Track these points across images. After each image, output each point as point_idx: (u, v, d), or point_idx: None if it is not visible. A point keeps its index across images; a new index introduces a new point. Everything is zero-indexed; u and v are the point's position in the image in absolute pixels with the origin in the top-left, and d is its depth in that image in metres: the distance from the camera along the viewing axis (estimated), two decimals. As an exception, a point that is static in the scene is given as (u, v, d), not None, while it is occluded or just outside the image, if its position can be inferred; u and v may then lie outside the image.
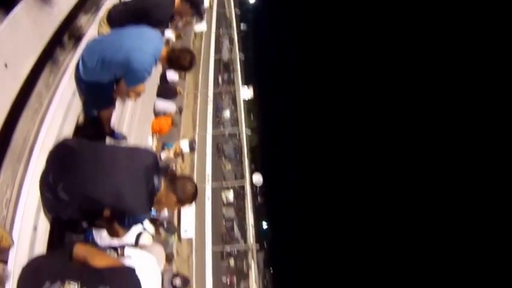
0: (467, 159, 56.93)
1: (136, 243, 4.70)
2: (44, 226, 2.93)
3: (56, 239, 3.16)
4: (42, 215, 2.88)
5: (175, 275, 6.21)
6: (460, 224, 55.04)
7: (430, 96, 62.32)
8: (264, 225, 60.47)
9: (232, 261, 42.95)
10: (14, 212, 2.56)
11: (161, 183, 3.03)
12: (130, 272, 2.53)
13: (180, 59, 3.88)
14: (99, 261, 2.51)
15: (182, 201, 3.18)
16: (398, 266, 56.26)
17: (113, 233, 3.27)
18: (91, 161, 2.95)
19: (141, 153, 3.25)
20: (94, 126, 4.35)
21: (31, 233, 2.73)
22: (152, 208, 3.22)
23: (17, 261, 2.47)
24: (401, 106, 63.04)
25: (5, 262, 2.43)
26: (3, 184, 2.54)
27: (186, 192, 3.12)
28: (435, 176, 59.34)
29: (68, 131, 3.42)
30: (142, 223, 4.33)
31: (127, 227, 3.23)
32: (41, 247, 2.84)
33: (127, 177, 2.90)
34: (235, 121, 44.28)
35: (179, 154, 13.56)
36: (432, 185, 59.02)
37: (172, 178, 3.14)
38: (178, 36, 13.54)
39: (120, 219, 3.09)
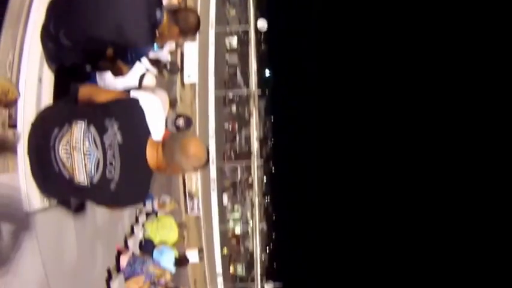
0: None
1: (140, 85, 4.74)
2: (49, 77, 2.90)
3: (61, 89, 3.16)
4: (45, 66, 2.83)
5: (178, 116, 6.31)
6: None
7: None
8: (267, 72, 60.52)
9: (234, 108, 43.90)
10: (18, 71, 2.51)
11: (163, 16, 2.93)
12: (134, 102, 2.54)
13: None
14: (104, 96, 2.51)
15: (185, 33, 3.10)
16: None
17: (117, 71, 3.25)
18: (90, 2, 2.80)
19: None
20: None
21: (36, 85, 2.71)
22: (155, 42, 3.19)
23: (25, 116, 2.48)
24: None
25: (14, 126, 2.45)
26: (5, 49, 2.46)
27: (188, 23, 3.04)
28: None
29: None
30: (146, 57, 4.30)
31: (130, 63, 3.18)
32: (47, 99, 2.84)
33: (128, 9, 2.79)
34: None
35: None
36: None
37: (175, 10, 3.04)
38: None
39: (123, 56, 3.04)
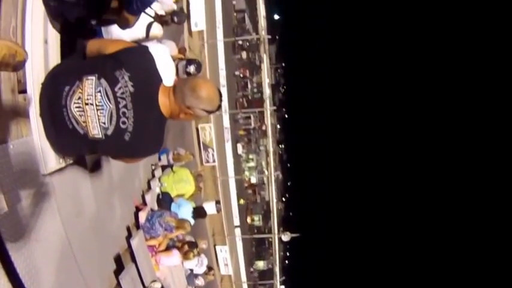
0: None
1: (147, 36, 4.70)
2: (54, 37, 2.87)
3: (68, 48, 3.14)
4: (50, 27, 2.79)
5: (188, 61, 6.25)
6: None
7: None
8: (276, 16, 59.22)
9: (244, 54, 43.34)
10: (22, 35, 2.49)
11: None
12: (144, 50, 2.53)
13: None
14: (112, 47, 2.48)
15: None
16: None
17: (124, 22, 3.15)
18: None
19: None
20: None
21: (43, 46, 2.69)
22: None
23: (34, 78, 2.49)
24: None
25: (25, 91, 2.45)
26: (7, 15, 2.42)
27: None
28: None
29: None
30: (151, 6, 4.24)
31: (137, 12, 3.09)
32: (54, 59, 2.82)
33: None
34: None
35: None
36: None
37: None
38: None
39: (129, 5, 2.94)
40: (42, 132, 2.46)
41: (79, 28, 3.35)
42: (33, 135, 2.45)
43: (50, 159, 2.56)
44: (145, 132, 2.38)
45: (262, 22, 29.17)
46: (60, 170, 2.70)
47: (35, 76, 2.51)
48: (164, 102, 2.39)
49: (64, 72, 2.51)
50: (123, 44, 2.53)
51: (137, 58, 2.43)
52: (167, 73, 4.01)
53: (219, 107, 2.50)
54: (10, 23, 2.44)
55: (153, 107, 2.38)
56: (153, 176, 7.66)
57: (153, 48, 3.50)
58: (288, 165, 66.79)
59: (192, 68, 6.04)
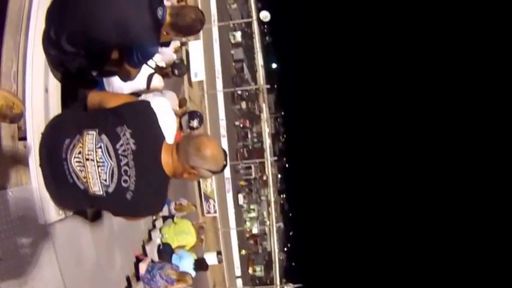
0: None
1: (148, 87, 4.73)
2: (55, 86, 2.88)
3: (68, 97, 3.15)
4: (51, 75, 2.80)
5: (191, 114, 6.27)
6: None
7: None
8: (274, 65, 60.38)
9: (244, 104, 43.93)
10: (23, 81, 2.51)
11: (166, 15, 2.86)
12: (146, 106, 2.49)
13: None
14: (114, 101, 2.46)
15: (189, 33, 3.08)
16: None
17: (124, 74, 3.17)
18: (89, 2, 2.73)
19: None
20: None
21: (43, 95, 2.69)
22: (160, 41, 3.14)
23: (34, 128, 2.48)
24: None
25: (25, 138, 2.45)
26: (8, 60, 2.45)
27: (190, 23, 2.97)
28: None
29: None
30: (152, 58, 4.31)
31: (137, 64, 3.07)
32: (55, 108, 2.82)
33: (130, 6, 2.73)
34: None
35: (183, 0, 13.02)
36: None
37: (177, 10, 3.00)
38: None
39: (129, 57, 2.94)
40: (42, 182, 2.41)
41: (80, 78, 3.38)
42: (32, 184, 2.40)
43: (49, 210, 2.50)
44: (147, 191, 2.32)
45: (261, 72, 29.72)
46: (60, 220, 2.66)
47: (35, 125, 2.49)
48: (167, 161, 2.34)
49: (64, 124, 2.48)
50: (125, 99, 2.52)
51: (139, 114, 2.41)
52: (169, 128, 4.01)
53: (224, 167, 2.46)
54: (11, 68, 2.45)
55: (156, 166, 2.33)
56: (154, 226, 7.58)
57: (155, 102, 3.52)
58: (290, 214, 66.28)
59: (195, 123, 6.04)
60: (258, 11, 31.43)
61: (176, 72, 7.92)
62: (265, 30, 59.51)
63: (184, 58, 16.43)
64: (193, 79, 17.68)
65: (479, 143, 57.04)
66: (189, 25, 3.01)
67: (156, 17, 2.81)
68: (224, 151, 2.44)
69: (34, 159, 2.43)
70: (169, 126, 4.03)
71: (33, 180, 2.41)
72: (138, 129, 2.32)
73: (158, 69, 5.16)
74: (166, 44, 6.86)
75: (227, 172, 21.50)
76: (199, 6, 18.51)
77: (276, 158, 44.90)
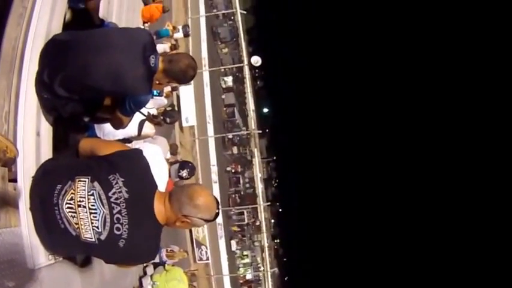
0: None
1: (139, 133, 4.78)
2: (47, 129, 2.91)
3: (60, 142, 3.17)
4: (43, 119, 2.83)
5: (181, 164, 6.32)
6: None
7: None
8: (265, 109, 61.04)
9: (235, 149, 44.12)
10: (14, 122, 2.53)
11: (158, 63, 2.95)
12: (138, 155, 2.53)
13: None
14: (106, 149, 2.49)
15: (180, 76, 3.12)
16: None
17: (117, 122, 3.23)
18: (84, 48, 2.83)
19: (135, 31, 3.16)
20: (82, 19, 4.21)
21: (35, 139, 2.71)
22: (152, 89, 3.18)
23: (25, 171, 2.49)
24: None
25: (15, 180, 2.46)
26: (0, 98, 2.49)
27: (184, 69, 3.06)
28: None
29: (56, 30, 3.29)
30: (145, 106, 4.37)
31: (130, 113, 3.14)
32: (46, 152, 2.83)
33: (124, 54, 2.80)
34: (228, 2, 42.71)
35: (176, 48, 13.38)
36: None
37: (170, 57, 3.07)
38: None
39: (122, 106, 3.02)
40: (32, 226, 2.40)
41: (72, 123, 3.42)
42: (22, 227, 2.39)
43: (39, 254, 2.47)
44: (140, 240, 2.34)
45: (252, 116, 29.99)
46: (49, 265, 2.63)
47: (25, 168, 2.50)
48: (160, 209, 2.38)
49: (56, 170, 2.51)
50: (117, 147, 2.55)
51: (132, 163, 2.45)
52: (161, 177, 4.05)
53: (217, 215, 2.48)
54: (3, 107, 2.47)
55: (148, 214, 2.36)
56: (145, 273, 7.50)
57: (147, 151, 3.55)
58: (284, 259, 65.48)
59: (184, 173, 6.10)
60: (250, 55, 32.00)
61: (168, 120, 8.05)
62: (257, 75, 60.37)
63: (175, 103, 16.61)
64: (184, 124, 17.80)
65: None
66: (182, 71, 3.08)
67: (149, 65, 2.87)
68: (216, 199, 2.47)
69: (24, 202, 2.42)
70: (161, 175, 4.07)
71: (22, 223, 2.39)
72: (130, 178, 2.36)
73: (150, 118, 5.23)
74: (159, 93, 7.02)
75: (219, 218, 21.31)
76: (191, 51, 18.92)
77: (268, 203, 44.69)
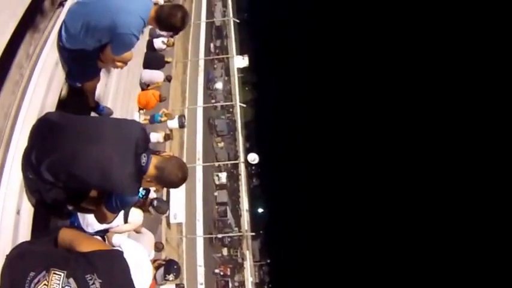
0: (470, 160, 57.84)
1: (126, 221, 4.75)
2: (28, 210, 2.94)
3: (40, 224, 3.18)
4: (25, 198, 2.88)
5: (166, 269, 6.26)
6: (461, 224, 56.14)
7: (434, 94, 62.70)
8: (260, 209, 60.73)
9: (225, 251, 43.34)
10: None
11: (150, 162, 3.01)
12: (118, 256, 2.55)
13: (170, 17, 3.71)
14: (86, 246, 2.52)
15: (170, 186, 3.24)
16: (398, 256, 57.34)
17: (101, 217, 3.27)
18: (75, 136, 2.92)
19: (129, 124, 3.24)
20: (78, 99, 4.37)
21: (14, 217, 2.75)
22: (140, 190, 3.21)
23: (0, 247, 2.51)
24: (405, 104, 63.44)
25: None
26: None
27: (174, 177, 3.11)
28: (434, 177, 60.04)
29: (51, 105, 3.41)
30: (130, 206, 4.38)
31: (115, 210, 3.18)
32: (25, 232, 2.86)
33: (114, 149, 2.87)
34: (228, 93, 44.16)
35: (169, 138, 13.64)
36: (431, 185, 59.75)
37: (162, 164, 3.09)
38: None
39: (108, 201, 3.08)
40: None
41: (55, 209, 3.45)
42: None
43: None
44: None
45: (245, 217, 29.76)
46: None
47: (1, 245, 2.53)
48: None
49: (32, 255, 2.54)
50: (98, 246, 2.59)
51: (112, 265, 2.46)
52: (141, 281, 3.99)
53: None
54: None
55: None
56: None
57: (129, 251, 3.56)
58: None
59: (171, 277, 6.06)
60: (246, 151, 32.43)
61: (158, 210, 8.06)
62: (253, 172, 60.83)
63: (165, 197, 16.55)
64: (172, 221, 17.58)
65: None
66: (173, 183, 3.18)
67: (140, 165, 2.95)
68: None
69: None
70: (142, 280, 4.00)
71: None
72: (108, 280, 2.36)
73: (139, 204, 5.25)
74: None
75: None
76: (185, 142, 19.22)
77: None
